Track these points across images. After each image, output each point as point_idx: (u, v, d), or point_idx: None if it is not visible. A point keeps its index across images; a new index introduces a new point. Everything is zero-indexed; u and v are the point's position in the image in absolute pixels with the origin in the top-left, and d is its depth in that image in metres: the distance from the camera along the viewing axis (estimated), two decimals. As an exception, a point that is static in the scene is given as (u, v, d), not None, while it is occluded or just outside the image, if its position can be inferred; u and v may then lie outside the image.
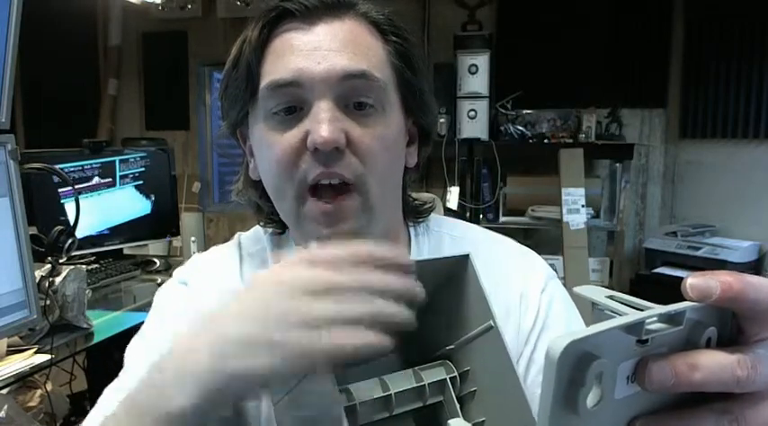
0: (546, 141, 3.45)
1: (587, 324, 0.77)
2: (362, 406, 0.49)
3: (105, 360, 1.84)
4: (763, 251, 3.18)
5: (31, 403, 1.52)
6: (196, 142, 4.20)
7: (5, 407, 1.23)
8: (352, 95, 0.61)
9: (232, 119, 0.69)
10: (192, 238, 2.67)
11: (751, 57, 3.19)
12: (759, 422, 0.32)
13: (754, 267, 3.13)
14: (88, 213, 1.98)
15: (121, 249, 2.43)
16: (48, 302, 1.47)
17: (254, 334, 0.40)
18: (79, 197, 1.80)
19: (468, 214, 3.48)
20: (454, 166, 3.43)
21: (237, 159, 0.75)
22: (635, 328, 0.29)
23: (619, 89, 3.45)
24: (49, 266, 1.53)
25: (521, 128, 3.49)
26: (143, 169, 2.43)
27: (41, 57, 3.46)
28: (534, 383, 0.66)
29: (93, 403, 0.66)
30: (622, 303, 0.38)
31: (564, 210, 3.20)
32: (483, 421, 0.52)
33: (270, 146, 0.63)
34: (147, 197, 2.45)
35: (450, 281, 0.54)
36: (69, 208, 2.00)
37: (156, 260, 2.42)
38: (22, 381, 1.47)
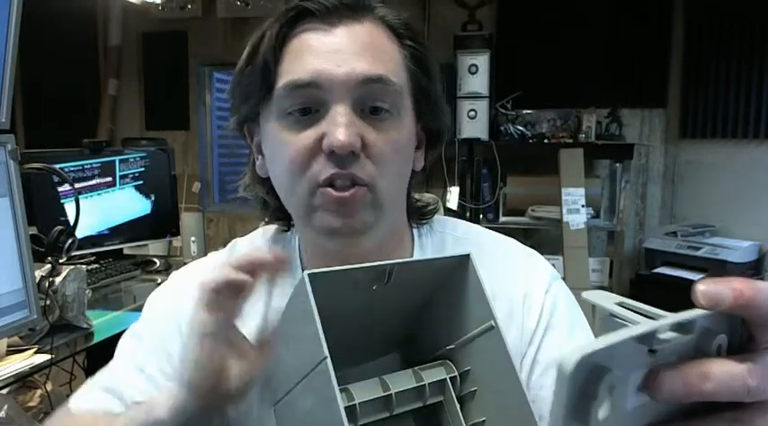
0: (546, 141, 3.44)
1: (591, 326, 0.77)
2: (363, 406, 0.49)
3: (105, 360, 1.83)
4: (763, 251, 3.18)
5: (31, 403, 1.52)
6: (196, 142, 4.19)
7: (5, 407, 1.22)
8: (368, 99, 0.62)
9: (242, 115, 0.69)
10: (192, 238, 2.67)
11: (751, 57, 3.19)
12: None
13: (754, 267, 3.13)
14: (88, 213, 1.98)
15: (121, 249, 2.42)
16: (48, 302, 1.47)
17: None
18: (79, 197, 1.80)
19: (468, 214, 3.48)
20: (454, 166, 3.43)
21: (237, 159, 0.76)
22: (646, 338, 0.29)
23: (619, 89, 3.45)
24: (49, 266, 1.53)
25: (521, 128, 3.49)
26: (143, 169, 2.42)
27: (41, 57, 3.46)
28: (538, 383, 0.66)
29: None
30: (631, 310, 0.37)
31: (564, 210, 3.20)
32: (483, 421, 0.52)
33: (283, 145, 0.63)
34: (147, 197, 2.45)
35: (450, 281, 0.54)
36: (69, 208, 2.00)
37: (156, 260, 2.42)
38: (22, 381, 1.47)
